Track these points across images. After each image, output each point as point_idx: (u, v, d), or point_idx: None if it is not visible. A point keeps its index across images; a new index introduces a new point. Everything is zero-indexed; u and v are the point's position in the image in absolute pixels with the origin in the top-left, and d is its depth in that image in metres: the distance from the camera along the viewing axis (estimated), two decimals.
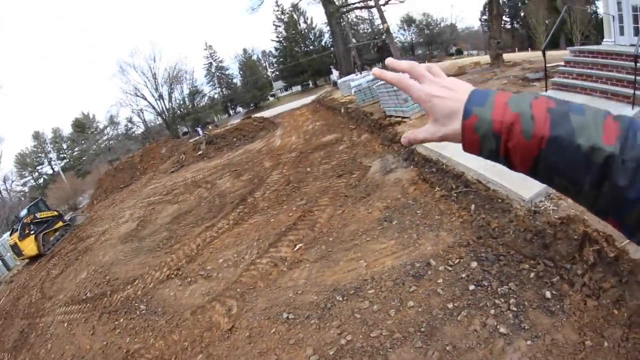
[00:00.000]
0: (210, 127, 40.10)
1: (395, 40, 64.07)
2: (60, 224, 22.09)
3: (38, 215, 21.26)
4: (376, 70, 0.93)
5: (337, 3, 37.31)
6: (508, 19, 53.04)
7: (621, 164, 0.62)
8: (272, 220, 9.09)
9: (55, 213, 22.91)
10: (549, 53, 9.79)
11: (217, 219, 10.50)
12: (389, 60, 0.92)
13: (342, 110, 17.73)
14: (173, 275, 8.41)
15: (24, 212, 21.96)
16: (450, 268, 5.18)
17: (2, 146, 60.33)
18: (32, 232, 20.09)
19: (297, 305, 5.83)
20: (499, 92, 0.77)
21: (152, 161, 28.37)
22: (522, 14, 50.57)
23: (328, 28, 61.11)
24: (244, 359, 5.29)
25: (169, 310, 7.40)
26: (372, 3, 33.80)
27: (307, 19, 67.89)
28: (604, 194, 0.65)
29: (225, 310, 6.51)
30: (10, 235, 21.63)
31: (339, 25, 37.75)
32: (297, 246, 7.55)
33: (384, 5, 32.96)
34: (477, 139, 0.74)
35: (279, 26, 68.26)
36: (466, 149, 0.79)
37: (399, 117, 11.62)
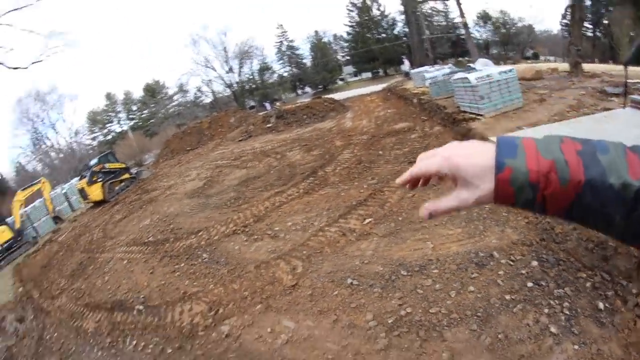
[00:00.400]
0: (279, 103, 40.61)
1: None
2: (127, 175, 23.96)
3: (107, 165, 23.14)
4: (401, 180, 0.90)
5: None
6: (590, 26, 49.13)
7: None
8: (342, 194, 9.16)
9: (123, 165, 24.75)
10: (632, 69, 9.20)
11: (286, 186, 10.70)
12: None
13: (415, 101, 17.55)
14: (239, 232, 8.68)
15: (94, 161, 23.79)
16: (511, 263, 5.20)
17: (76, 103, 63.88)
18: (99, 180, 21.96)
19: (362, 274, 5.89)
20: (523, 137, 0.76)
21: (220, 129, 29.62)
22: (605, 22, 46.40)
23: (402, 17, 60.76)
24: (303, 314, 5.45)
25: (232, 261, 7.65)
26: None
27: (380, 5, 66.97)
28: (633, 223, 0.67)
29: (290, 269, 6.65)
30: (79, 180, 23.71)
31: (414, 15, 36.92)
32: (367, 220, 7.58)
33: None
34: (512, 191, 0.73)
35: (352, 11, 67.95)
36: (498, 202, 0.76)
37: (473, 113, 11.37)
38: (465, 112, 11.81)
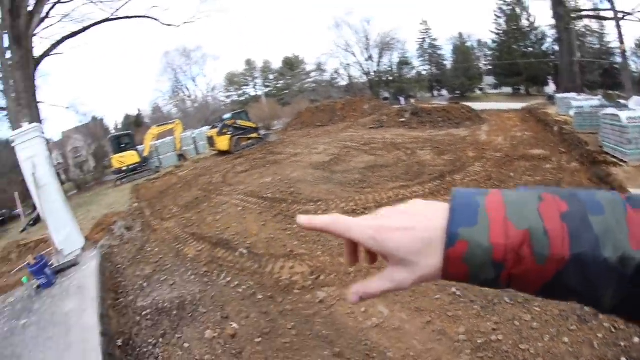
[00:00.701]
0: (414, 100, 39.92)
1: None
2: (255, 135, 25.37)
3: (239, 122, 24.69)
4: (303, 219, 0.68)
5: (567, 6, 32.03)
6: None
7: None
8: None
9: (254, 125, 26.13)
10: None
11: (412, 182, 10.45)
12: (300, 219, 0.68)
13: (555, 129, 16.27)
14: (359, 212, 8.61)
15: (227, 116, 25.73)
16: (613, 330, 4.75)
17: (217, 63, 70.24)
18: (229, 133, 23.64)
19: (467, 287, 5.59)
20: (490, 194, 0.59)
21: (353, 112, 29.99)
22: None
23: (552, 32, 53.58)
24: (400, 306, 5.43)
25: None
26: (608, 14, 28.47)
27: (530, 15, 60.51)
28: (629, 300, 0.53)
29: None
30: (210, 129, 26.01)
31: (567, 32, 32.12)
32: None
33: (622, 18, 27.05)
34: (466, 271, 0.57)
35: (500, 17, 62.72)
36: (446, 279, 0.59)
37: (616, 157, 10.22)
38: (607, 153, 10.74)
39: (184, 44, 69.71)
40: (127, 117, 74.34)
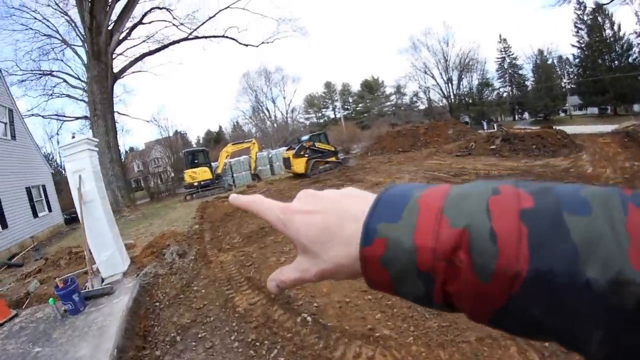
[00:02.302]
0: (502, 125, 36.61)
1: None
2: (333, 158, 23.93)
3: (317, 144, 23.28)
4: (232, 197, 0.65)
5: None
6: None
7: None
8: None
9: (332, 148, 24.60)
10: None
11: None
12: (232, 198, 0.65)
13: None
14: None
15: (305, 137, 24.38)
16: None
17: (297, 84, 70.99)
18: (306, 155, 22.31)
19: None
20: (436, 187, 0.44)
21: (437, 138, 28.07)
22: None
23: (639, 40, 48.40)
24: None
25: (447, 316, 5.28)
26: None
27: (613, 24, 52.49)
28: (627, 349, 0.33)
29: None
30: (287, 150, 24.87)
31: None
32: None
33: None
34: (388, 278, 0.43)
35: (581, 29, 55.85)
36: (371, 286, 0.46)
37: None
38: None
39: (264, 65, 70.49)
40: (209, 132, 76.64)
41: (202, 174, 24.06)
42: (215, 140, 65.87)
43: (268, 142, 54.96)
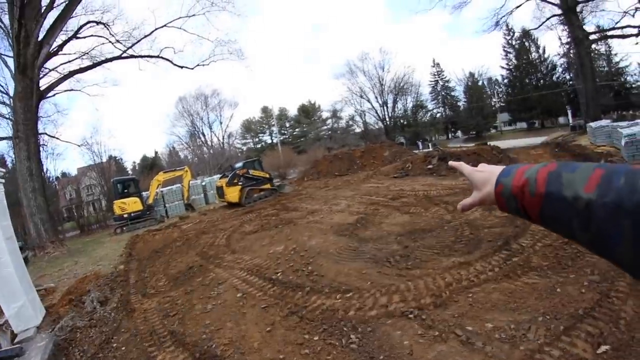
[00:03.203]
0: (437, 145, 37.13)
1: (635, 85, 51.80)
2: (268, 186, 22.86)
3: (251, 171, 22.25)
4: (452, 162, 1.28)
5: (586, 29, 30.27)
6: None
7: (601, 206, 0.70)
8: (558, 290, 5.83)
9: (267, 175, 23.61)
10: None
11: (472, 256, 7.45)
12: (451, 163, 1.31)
13: (602, 162, 13.46)
14: (410, 315, 5.56)
15: (239, 164, 23.41)
16: None
17: (234, 109, 70.26)
18: (239, 183, 21.20)
19: None
20: (524, 165, 0.95)
21: (373, 160, 27.74)
22: None
23: (562, 60, 55.77)
24: None
25: None
26: (632, 31, 26.84)
27: (539, 47, 60.26)
28: (593, 235, 0.74)
29: None
30: (220, 178, 23.64)
31: (588, 57, 30.47)
32: (602, 348, 4.54)
33: None
34: (504, 200, 0.96)
35: (510, 52, 62.67)
36: (500, 209, 1.00)
37: None
38: None
39: (201, 89, 68.68)
40: (145, 158, 73.58)
41: (132, 205, 22.34)
42: (150, 166, 63.09)
43: (204, 168, 53.44)
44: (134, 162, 72.97)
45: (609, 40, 39.72)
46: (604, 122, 20.72)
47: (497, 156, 19.77)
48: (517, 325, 5.05)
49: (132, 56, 28.44)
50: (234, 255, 10.31)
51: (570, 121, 37.02)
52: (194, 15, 30.32)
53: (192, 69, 31.51)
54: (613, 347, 4.47)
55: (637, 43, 26.83)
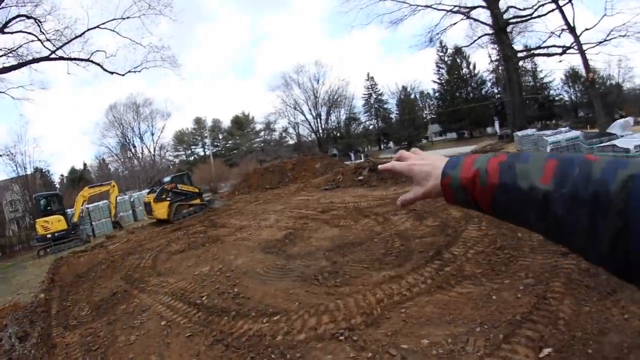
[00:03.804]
0: (369, 156, 37.55)
1: (557, 98, 58.66)
2: (198, 201, 21.91)
3: (179, 186, 21.22)
4: (381, 166, 1.23)
5: (515, 48, 32.73)
6: None
7: (558, 197, 0.71)
8: (493, 297, 5.84)
9: (196, 190, 22.57)
10: None
11: (403, 268, 7.38)
12: (380, 167, 1.26)
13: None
14: (340, 336, 5.35)
15: (167, 179, 22.16)
16: None
17: (167, 120, 66.56)
18: (168, 199, 20.23)
19: None
20: (469, 156, 0.93)
21: (304, 172, 27.32)
22: None
23: (491, 76, 60.70)
24: None
25: None
26: (556, 50, 29.20)
27: (470, 64, 64.53)
28: (548, 224, 0.75)
29: None
30: (148, 194, 22.38)
31: (516, 72, 32.85)
32: (544, 351, 4.51)
33: (564, 52, 28.41)
34: (452, 192, 0.93)
35: (442, 68, 66.52)
36: (447, 201, 0.97)
37: None
38: None
39: (132, 97, 64.63)
40: (73, 171, 68.78)
41: (56, 223, 20.27)
42: (79, 179, 58.85)
43: (134, 182, 50.92)
44: (62, 175, 68.04)
45: (535, 58, 43.50)
46: (530, 131, 21.94)
47: None
48: (455, 338, 4.97)
49: (61, 58, 26.58)
50: (159, 278, 9.71)
51: (498, 131, 39.09)
52: (128, 17, 28.81)
53: (123, 75, 29.95)
54: (555, 349, 4.50)
55: (560, 61, 29.84)
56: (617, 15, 32.56)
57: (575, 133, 14.72)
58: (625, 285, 5.14)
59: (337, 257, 8.56)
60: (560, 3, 26.57)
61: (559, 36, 28.20)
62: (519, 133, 22.07)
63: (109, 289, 9.92)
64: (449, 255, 7.69)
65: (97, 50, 28.25)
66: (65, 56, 26.82)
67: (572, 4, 26.21)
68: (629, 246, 0.63)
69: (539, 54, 32.78)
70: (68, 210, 22.21)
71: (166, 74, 70.36)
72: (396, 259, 7.97)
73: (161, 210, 19.85)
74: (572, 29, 26.29)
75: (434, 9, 32.14)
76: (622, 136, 10.60)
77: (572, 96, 59.75)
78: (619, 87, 53.32)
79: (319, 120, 66.26)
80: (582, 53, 26.24)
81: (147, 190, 26.21)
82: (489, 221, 9.68)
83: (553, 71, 56.56)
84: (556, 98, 60.08)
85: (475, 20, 32.55)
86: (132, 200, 26.99)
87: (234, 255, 10.22)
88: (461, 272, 6.87)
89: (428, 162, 1.02)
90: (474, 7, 32.00)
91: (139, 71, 30.49)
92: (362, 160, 28.46)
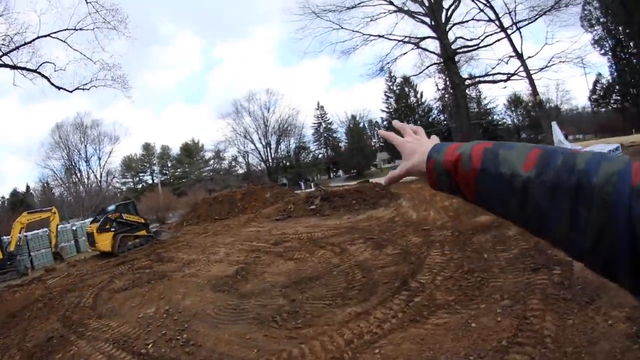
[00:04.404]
0: (320, 185, 37.03)
1: (501, 122, 62.82)
2: (144, 232, 20.32)
3: (124, 216, 19.65)
4: (382, 132, 1.25)
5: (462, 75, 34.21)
6: (618, 98, 48.41)
7: (539, 184, 0.69)
8: (472, 324, 5.50)
9: (142, 220, 21.04)
10: None
11: (369, 303, 6.88)
12: (394, 122, 1.27)
13: None
14: None
15: (111, 208, 20.64)
16: None
17: (115, 145, 62.70)
18: (112, 229, 18.54)
19: None
20: (455, 143, 0.93)
21: (254, 202, 26.40)
22: (635, 90, 44.52)
23: (437, 104, 64.03)
24: None
25: None
26: (501, 77, 30.95)
27: (417, 92, 66.65)
28: (529, 215, 0.72)
29: None
30: (91, 223, 20.37)
31: (463, 99, 34.29)
32: None
33: (509, 79, 30.25)
34: (435, 176, 0.91)
35: (390, 97, 68.10)
36: (431, 186, 0.96)
37: None
38: None
39: (80, 117, 60.98)
40: (15, 193, 63.52)
41: None
42: (21, 203, 54.27)
43: (79, 210, 47.60)
44: (2, 197, 62.55)
45: (480, 86, 44.76)
46: None
47: (379, 192, 19.99)
48: None
49: (6, 65, 24.62)
50: (100, 321, 8.65)
51: None
52: (82, 29, 27.19)
53: (71, 91, 28.19)
54: None
55: (505, 87, 32.21)
56: (557, 44, 34.10)
57: None
58: (601, 291, 4.96)
59: (295, 294, 7.98)
60: (509, 32, 28.28)
61: (507, 63, 29.77)
62: None
63: (44, 332, 8.78)
64: (416, 284, 7.33)
65: (46, 62, 26.51)
66: (12, 64, 25.01)
67: (520, 33, 28.02)
68: (612, 242, 0.61)
69: (485, 81, 33.92)
70: (4, 237, 19.77)
71: (116, 94, 66.60)
72: (360, 292, 7.50)
73: (104, 241, 18.15)
74: (519, 56, 27.94)
75: (386, 38, 33.29)
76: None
77: (515, 120, 64.42)
78: (558, 109, 56.69)
79: (268, 149, 65.84)
80: (530, 77, 27.74)
81: (90, 219, 23.85)
82: (452, 244, 9.50)
83: (496, 97, 60.56)
84: (500, 122, 63.99)
85: (425, 50, 33.92)
86: (74, 229, 24.49)
87: (182, 294, 9.35)
88: (433, 302, 6.50)
89: (418, 142, 1.06)
90: (424, 38, 33.41)
91: (88, 89, 28.84)
92: (313, 189, 27.89)
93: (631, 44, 42.94)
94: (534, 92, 27.86)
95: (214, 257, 12.95)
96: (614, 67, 46.99)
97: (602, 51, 45.58)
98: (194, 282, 10.33)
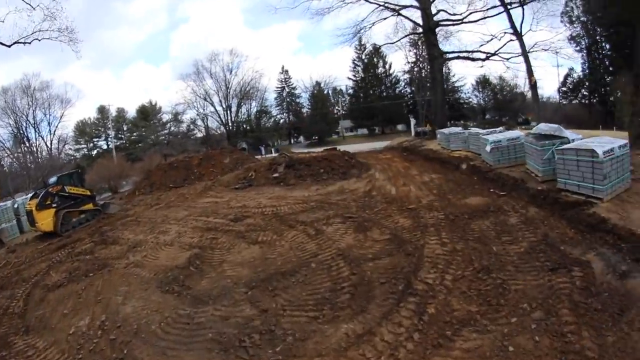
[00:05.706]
0: (283, 151, 34.85)
1: (467, 101, 62.49)
2: (90, 206, 17.34)
3: (67, 188, 16.50)
4: None
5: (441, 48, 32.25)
6: (587, 94, 49.07)
7: None
8: (510, 348, 4.29)
9: (88, 192, 17.93)
10: None
11: (369, 315, 5.27)
12: None
13: (464, 167, 14.51)
14: None
15: (52, 180, 17.02)
16: None
17: (66, 108, 56.66)
18: (53, 205, 15.53)
19: None
20: None
21: (212, 169, 24.02)
22: (604, 90, 45.11)
23: (405, 76, 62.74)
24: None
25: None
26: (480, 55, 29.69)
27: (386, 63, 64.65)
28: None
29: None
30: (30, 199, 16.84)
31: (440, 72, 32.53)
32: None
33: (487, 58, 29.14)
34: None
35: (359, 65, 65.89)
36: None
37: (581, 194, 8.20)
38: (567, 191, 8.68)
39: (26, 80, 53.27)
40: None
41: None
42: None
43: (25, 183, 42.67)
44: None
45: (450, 63, 42.44)
46: (456, 129, 20.95)
47: (349, 162, 18.52)
48: None
49: None
50: (27, 338, 6.55)
51: (413, 129, 39.20)
52: None
53: (9, 46, 24.09)
54: None
55: (482, 66, 30.32)
56: (539, 32, 33.15)
57: (516, 133, 14.05)
58: (628, 300, 4.68)
59: (266, 298, 6.19)
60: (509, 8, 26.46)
61: (499, 39, 28.04)
62: (445, 130, 21.05)
63: None
64: (423, 286, 5.79)
65: None
66: None
67: (523, 9, 26.11)
68: None
69: (464, 57, 31.64)
70: None
71: (62, 49, 58.83)
72: (352, 298, 5.81)
73: (46, 220, 15.22)
74: (518, 33, 26.19)
75: (367, 1, 30.27)
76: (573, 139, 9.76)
77: (481, 100, 63.06)
78: (523, 95, 56.32)
79: (229, 112, 61.27)
80: (526, 56, 26.12)
81: (30, 195, 19.67)
82: (449, 230, 8.08)
83: (465, 76, 59.59)
84: (466, 101, 62.81)
85: (406, 17, 31.37)
86: (16, 206, 19.90)
87: (122, 294, 7.40)
88: (451, 314, 5.01)
89: None
90: (406, 6, 30.84)
91: (29, 42, 24.61)
92: (274, 154, 25.69)
93: (607, 45, 43.28)
94: (529, 72, 26.33)
95: (163, 238, 10.86)
96: (587, 64, 47.34)
97: (578, 48, 45.65)
98: (138, 275, 8.32)
